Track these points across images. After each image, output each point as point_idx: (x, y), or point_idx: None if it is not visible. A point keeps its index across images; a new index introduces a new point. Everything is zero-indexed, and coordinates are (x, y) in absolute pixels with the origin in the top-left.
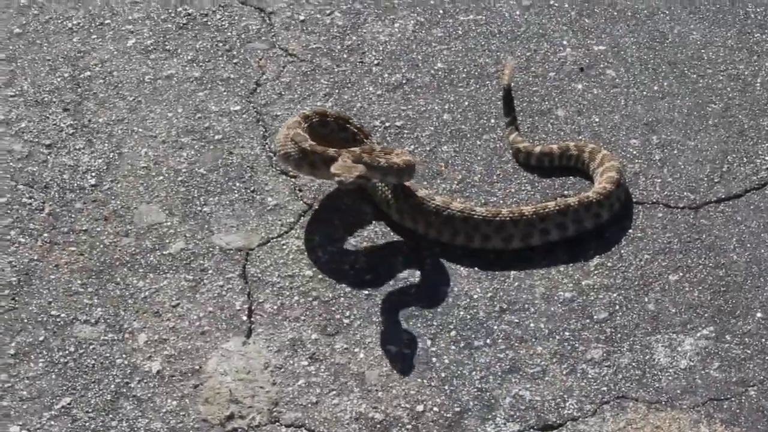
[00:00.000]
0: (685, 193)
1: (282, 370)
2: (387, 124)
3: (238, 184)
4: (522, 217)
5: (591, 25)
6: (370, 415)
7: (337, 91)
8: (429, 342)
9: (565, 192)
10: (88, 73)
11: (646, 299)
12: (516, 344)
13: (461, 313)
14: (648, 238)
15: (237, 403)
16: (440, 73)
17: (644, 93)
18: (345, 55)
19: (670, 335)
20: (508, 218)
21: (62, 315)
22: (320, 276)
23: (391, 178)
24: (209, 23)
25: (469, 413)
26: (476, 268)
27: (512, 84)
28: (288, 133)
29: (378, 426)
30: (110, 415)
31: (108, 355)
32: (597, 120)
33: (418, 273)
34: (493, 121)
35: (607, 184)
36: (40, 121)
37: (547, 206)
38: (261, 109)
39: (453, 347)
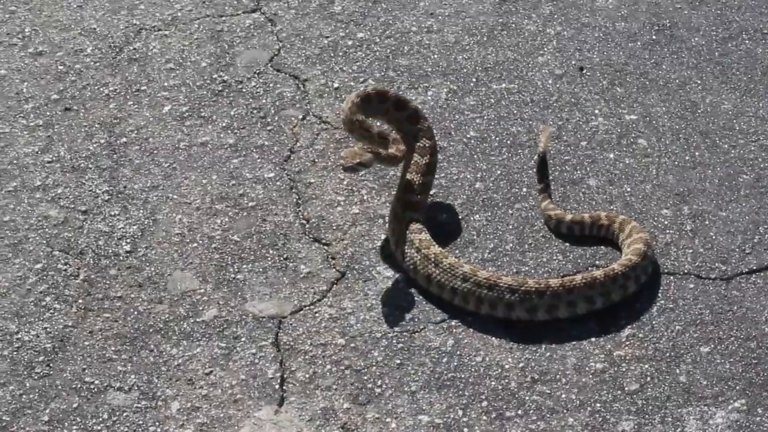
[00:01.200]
0: (716, 264)
1: None
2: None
3: (271, 252)
4: (548, 289)
5: (623, 94)
6: None
7: None
8: (461, 412)
9: (596, 263)
10: (124, 139)
11: (678, 371)
12: (547, 415)
13: (493, 383)
14: (679, 309)
15: None
16: (473, 141)
17: (676, 163)
18: (378, 124)
19: (701, 408)
20: (533, 288)
21: (96, 382)
22: (352, 345)
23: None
24: (244, 90)
25: None
26: (507, 338)
27: (547, 150)
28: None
29: None
30: None
31: (141, 422)
32: (628, 189)
33: (449, 342)
34: (525, 190)
35: (633, 256)
36: (77, 187)
37: (575, 279)
38: (294, 177)
39: (484, 418)
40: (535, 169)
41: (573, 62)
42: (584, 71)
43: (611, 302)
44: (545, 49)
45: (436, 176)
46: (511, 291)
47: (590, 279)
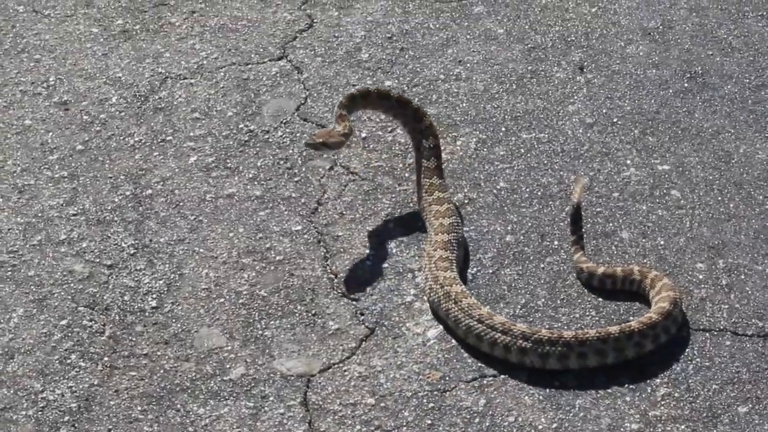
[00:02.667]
0: (753, 321)
1: None
2: None
3: (299, 307)
4: (560, 339)
5: (655, 143)
6: None
7: (399, 210)
8: None
9: (630, 319)
10: (150, 191)
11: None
12: None
13: None
14: (716, 367)
15: None
16: (503, 192)
17: (710, 215)
18: (407, 174)
19: None
20: (546, 336)
21: None
22: (382, 404)
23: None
24: (271, 140)
25: None
26: (540, 397)
27: (581, 201)
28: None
29: None
30: None
31: None
32: (662, 243)
33: (481, 401)
34: (556, 243)
35: (654, 314)
36: (102, 241)
37: (588, 333)
38: (322, 230)
39: None
40: (567, 221)
41: (603, 111)
42: (584, 71)
43: (624, 358)
44: (575, 97)
45: (466, 229)
46: (524, 338)
47: (604, 333)
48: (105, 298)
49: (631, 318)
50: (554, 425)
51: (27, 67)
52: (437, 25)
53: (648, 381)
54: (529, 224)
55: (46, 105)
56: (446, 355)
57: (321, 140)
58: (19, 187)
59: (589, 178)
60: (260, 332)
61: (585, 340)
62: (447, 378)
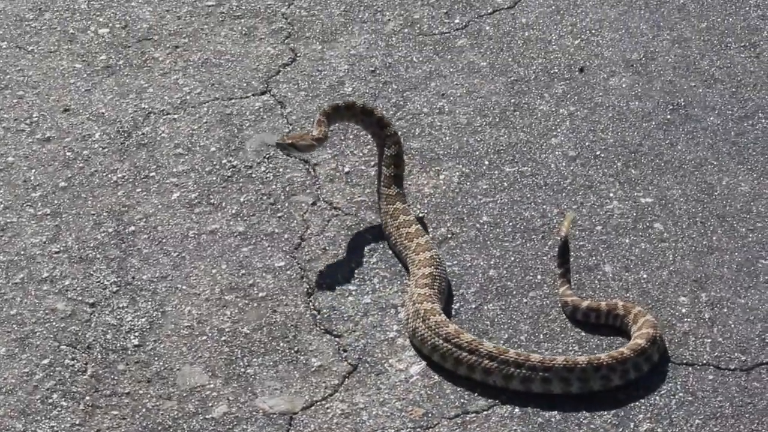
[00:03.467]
0: (736, 354)
1: None
2: None
3: (282, 344)
4: (527, 362)
5: (638, 176)
6: None
7: (382, 245)
8: None
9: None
10: (133, 227)
11: None
12: None
13: None
14: (699, 401)
15: None
16: (486, 227)
17: (693, 248)
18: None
19: None
20: (512, 358)
21: None
22: None
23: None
24: (254, 175)
25: None
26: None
27: (568, 235)
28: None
29: None
30: None
31: None
32: (645, 276)
33: None
34: (539, 277)
35: (626, 350)
36: (84, 279)
37: (555, 359)
38: (305, 265)
39: None
40: (555, 254)
41: (586, 144)
42: (584, 72)
43: (590, 389)
44: (558, 130)
45: (449, 263)
46: (490, 358)
47: (571, 362)
48: (87, 336)
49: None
50: None
51: (10, 103)
52: (420, 58)
53: (631, 415)
54: (513, 258)
55: (29, 141)
56: (429, 392)
57: (290, 141)
58: (1, 225)
59: (571, 211)
60: (243, 370)
61: (551, 366)
62: (430, 415)
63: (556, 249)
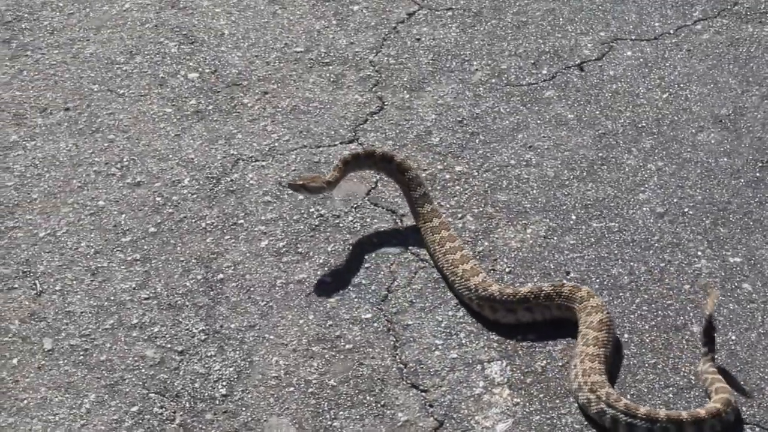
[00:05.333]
0: None
1: None
2: (518, 336)
3: (368, 398)
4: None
5: (726, 234)
6: None
7: None
8: None
9: None
10: (221, 275)
11: None
12: None
13: None
14: None
15: None
16: (573, 282)
17: None
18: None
19: None
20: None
21: None
22: None
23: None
24: (341, 225)
25: None
26: None
27: (714, 312)
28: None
29: None
30: None
31: None
32: (733, 338)
33: None
34: (626, 336)
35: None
36: (173, 326)
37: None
38: (392, 318)
39: None
40: (701, 332)
41: (674, 200)
42: (583, 71)
43: None
44: (646, 185)
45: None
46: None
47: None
48: (176, 384)
49: None
50: None
51: (101, 147)
52: (508, 110)
53: None
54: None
55: (119, 186)
56: None
57: (302, 183)
58: (92, 269)
59: (659, 269)
60: (329, 422)
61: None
62: None
63: (700, 329)
